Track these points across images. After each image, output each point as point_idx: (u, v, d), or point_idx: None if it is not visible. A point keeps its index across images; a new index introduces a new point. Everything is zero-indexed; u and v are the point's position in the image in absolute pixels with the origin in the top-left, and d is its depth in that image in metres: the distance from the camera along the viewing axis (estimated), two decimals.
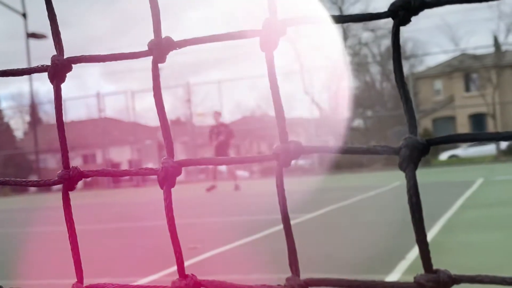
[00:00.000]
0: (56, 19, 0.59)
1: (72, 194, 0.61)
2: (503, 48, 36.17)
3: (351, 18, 0.48)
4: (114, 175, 0.55)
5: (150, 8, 0.54)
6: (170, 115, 43.26)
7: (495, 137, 0.44)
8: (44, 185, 0.60)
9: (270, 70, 0.50)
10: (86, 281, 0.64)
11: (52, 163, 37.62)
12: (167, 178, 0.53)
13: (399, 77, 0.47)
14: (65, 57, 0.60)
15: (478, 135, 0.44)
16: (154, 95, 0.54)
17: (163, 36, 0.55)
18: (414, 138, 0.47)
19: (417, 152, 0.46)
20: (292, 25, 0.51)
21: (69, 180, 0.58)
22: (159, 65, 0.56)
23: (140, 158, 32.37)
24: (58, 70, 0.60)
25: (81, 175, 0.58)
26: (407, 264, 5.04)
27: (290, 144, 0.50)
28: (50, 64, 0.60)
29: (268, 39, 0.50)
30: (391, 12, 0.47)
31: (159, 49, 0.54)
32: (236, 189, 17.24)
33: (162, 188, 0.54)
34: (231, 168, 17.80)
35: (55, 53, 0.62)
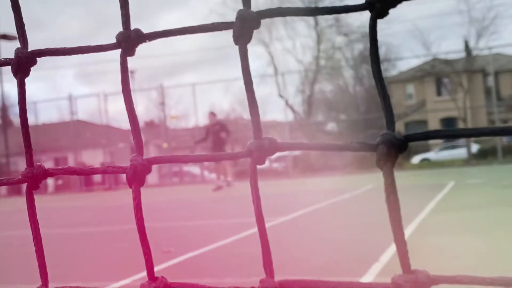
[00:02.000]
0: (20, 11, 0.56)
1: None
2: (474, 53, 36.72)
3: (326, 10, 0.47)
4: (80, 173, 0.53)
5: (119, 0, 0.52)
6: (144, 117, 42.95)
7: (472, 133, 0.43)
8: (7, 184, 0.57)
9: (244, 63, 0.48)
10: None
11: (23, 166, 36.98)
12: (136, 177, 0.51)
13: (376, 72, 0.45)
14: (29, 50, 0.58)
15: (455, 132, 0.43)
16: (123, 90, 0.52)
17: (132, 28, 0.53)
18: (392, 134, 0.45)
19: (395, 149, 0.45)
20: (266, 17, 0.49)
21: (32, 178, 0.55)
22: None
23: (112, 161, 32.07)
24: (22, 64, 0.57)
25: (45, 173, 0.55)
26: (380, 267, 5.07)
27: (264, 141, 0.49)
28: (13, 57, 0.57)
29: (241, 31, 0.48)
30: (368, 4, 0.45)
31: (128, 41, 0.52)
32: (217, 190, 17.16)
33: (130, 186, 0.52)
34: (224, 166, 17.73)
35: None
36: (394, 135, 0.45)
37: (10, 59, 0.57)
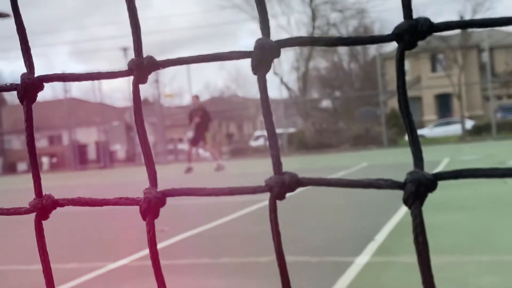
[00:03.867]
0: (25, 35, 0.54)
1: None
2: (469, 29, 36.58)
3: (351, 41, 0.44)
4: (92, 204, 0.51)
5: (130, 25, 0.49)
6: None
7: (507, 173, 0.41)
8: (14, 214, 0.55)
9: (263, 95, 0.46)
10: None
11: (17, 144, 36.96)
12: (150, 210, 0.49)
13: (403, 105, 0.43)
14: (36, 75, 0.55)
15: (488, 171, 0.42)
16: (135, 120, 0.50)
17: (144, 55, 0.51)
18: (420, 173, 0.44)
19: (423, 188, 0.43)
20: (286, 46, 0.47)
21: (42, 209, 0.53)
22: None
23: (107, 139, 32.02)
24: (28, 90, 0.55)
25: (55, 203, 0.53)
26: (376, 245, 5.09)
27: (285, 176, 0.47)
28: (20, 83, 0.55)
29: (261, 61, 0.46)
30: (396, 36, 0.43)
31: (141, 69, 0.50)
32: (218, 170, 17.28)
33: (144, 219, 0.50)
34: (211, 149, 17.99)
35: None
36: (423, 174, 0.43)
37: (16, 85, 0.55)
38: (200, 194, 0.48)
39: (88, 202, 0.51)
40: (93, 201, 0.51)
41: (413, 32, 0.43)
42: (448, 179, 0.43)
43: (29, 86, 0.54)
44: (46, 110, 35.77)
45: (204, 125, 17.69)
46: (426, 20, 0.44)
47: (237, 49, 0.48)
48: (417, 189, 0.43)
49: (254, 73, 0.47)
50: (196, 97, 18.81)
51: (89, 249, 6.17)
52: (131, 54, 0.52)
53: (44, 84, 0.57)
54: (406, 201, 0.43)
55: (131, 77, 0.51)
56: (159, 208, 0.50)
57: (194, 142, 17.65)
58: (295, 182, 0.47)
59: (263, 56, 0.46)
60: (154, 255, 0.48)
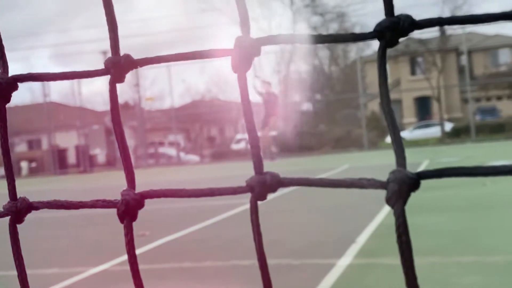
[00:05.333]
0: None
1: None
2: (448, 32, 36.94)
3: (332, 39, 0.44)
4: (68, 207, 0.50)
5: (107, 23, 0.48)
6: (118, 99, 42.43)
7: (490, 171, 0.41)
8: None
9: (244, 93, 0.45)
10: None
11: None
12: (127, 212, 0.48)
13: (385, 103, 0.43)
14: (10, 74, 0.54)
15: (471, 170, 0.41)
16: (112, 119, 0.49)
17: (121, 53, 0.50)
18: (403, 172, 0.43)
19: (407, 187, 0.42)
20: (267, 44, 0.46)
21: (16, 212, 0.52)
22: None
23: (87, 143, 31.76)
24: (2, 90, 0.53)
25: (30, 207, 0.51)
26: (358, 248, 5.11)
27: (266, 176, 0.46)
28: None
29: (241, 59, 0.45)
30: (377, 33, 0.43)
31: (117, 68, 0.49)
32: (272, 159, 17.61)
33: (122, 222, 0.48)
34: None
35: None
36: (406, 173, 0.43)
37: None
38: (179, 195, 0.47)
39: (64, 205, 0.50)
40: (69, 204, 0.50)
41: (394, 29, 0.43)
42: (431, 178, 0.43)
43: (2, 86, 0.52)
44: (25, 114, 35.39)
45: (273, 111, 17.75)
46: (408, 17, 0.43)
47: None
48: (400, 188, 0.42)
49: (234, 72, 0.46)
50: (268, 84, 18.84)
51: (70, 254, 6.10)
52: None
53: (19, 84, 0.56)
54: (389, 201, 0.42)
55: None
56: (137, 211, 0.49)
57: (264, 124, 17.69)
58: (277, 182, 0.46)
59: (243, 54, 0.45)
60: (132, 258, 0.47)
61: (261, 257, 0.46)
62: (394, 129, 0.44)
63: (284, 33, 0.44)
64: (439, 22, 0.43)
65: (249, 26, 0.45)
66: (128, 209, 0.48)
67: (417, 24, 0.43)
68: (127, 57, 0.49)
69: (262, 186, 0.45)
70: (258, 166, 0.46)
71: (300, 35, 0.44)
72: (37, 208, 0.51)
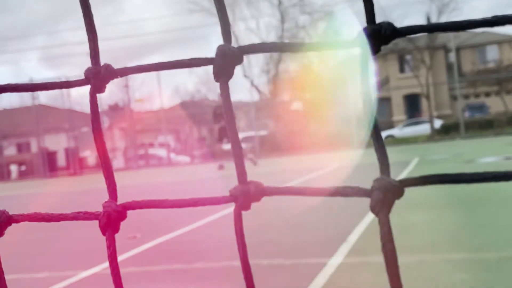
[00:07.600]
0: None
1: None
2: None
3: (315, 47, 0.43)
4: (49, 219, 0.49)
5: (86, 32, 0.47)
6: (108, 101, 42.36)
7: (475, 178, 0.40)
8: None
9: (226, 102, 0.45)
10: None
11: None
12: (109, 224, 0.47)
13: (369, 113, 0.42)
14: (3, 83, 0.53)
15: (455, 176, 0.41)
16: (93, 129, 0.48)
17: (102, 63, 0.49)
18: (387, 180, 0.43)
19: (391, 195, 0.42)
20: (249, 52, 0.45)
21: None
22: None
23: (77, 146, 31.63)
24: None
25: (10, 220, 0.51)
26: (349, 246, 5.12)
27: (250, 186, 0.45)
28: None
29: (222, 68, 0.44)
30: (360, 42, 0.42)
31: (98, 78, 0.48)
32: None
33: (104, 234, 0.48)
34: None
35: None
36: (390, 180, 0.43)
37: None
38: (162, 206, 0.46)
39: (44, 218, 0.49)
40: (50, 216, 0.49)
41: (376, 37, 0.42)
42: (415, 186, 0.43)
43: None
44: (13, 117, 35.19)
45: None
46: (390, 25, 0.43)
47: (210, 53, 0.47)
48: (385, 196, 0.42)
49: (216, 81, 0.45)
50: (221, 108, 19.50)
51: (60, 258, 6.07)
52: (102, 58, 0.50)
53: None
54: (373, 209, 0.42)
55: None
56: (119, 222, 0.48)
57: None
58: (260, 192, 0.45)
59: (225, 63, 0.44)
60: (115, 270, 0.46)
61: (246, 268, 0.46)
62: (377, 138, 0.43)
63: (271, 40, 0.43)
64: (421, 29, 0.43)
65: (230, 34, 0.45)
66: (110, 221, 0.47)
67: (398, 32, 0.43)
68: (107, 67, 0.48)
69: (246, 196, 0.45)
70: (241, 175, 0.46)
71: (283, 44, 0.44)
72: (17, 221, 0.51)
